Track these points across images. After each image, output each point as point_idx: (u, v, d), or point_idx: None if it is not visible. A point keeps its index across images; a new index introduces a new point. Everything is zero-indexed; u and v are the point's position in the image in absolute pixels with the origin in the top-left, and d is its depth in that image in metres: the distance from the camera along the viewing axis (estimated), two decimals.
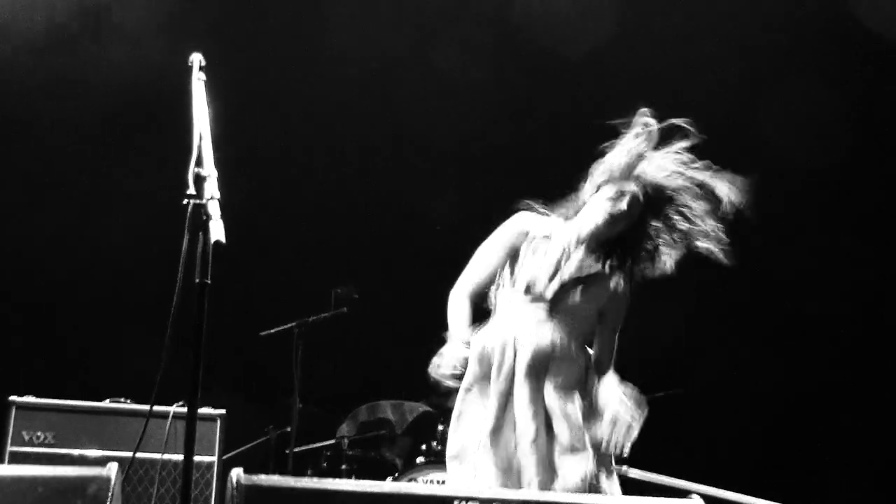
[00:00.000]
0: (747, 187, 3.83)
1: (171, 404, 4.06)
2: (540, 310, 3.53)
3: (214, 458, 4.32)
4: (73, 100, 6.85)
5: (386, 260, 7.66)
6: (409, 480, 5.57)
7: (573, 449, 3.25)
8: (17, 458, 4.18)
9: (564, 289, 3.55)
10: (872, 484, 7.03)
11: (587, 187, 3.75)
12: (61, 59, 6.76)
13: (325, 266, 7.19)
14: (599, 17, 7.05)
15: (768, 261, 7.47)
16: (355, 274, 6.54)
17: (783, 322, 7.47)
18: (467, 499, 2.47)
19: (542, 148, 7.75)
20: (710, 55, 7.13)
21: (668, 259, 3.64)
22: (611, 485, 3.31)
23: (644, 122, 3.70)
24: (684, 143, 3.73)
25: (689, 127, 3.73)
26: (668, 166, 3.66)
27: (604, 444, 3.28)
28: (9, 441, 4.22)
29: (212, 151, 2.50)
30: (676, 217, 3.61)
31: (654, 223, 3.59)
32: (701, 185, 3.68)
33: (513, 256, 3.68)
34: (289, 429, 5.94)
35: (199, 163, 2.46)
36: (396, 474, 5.79)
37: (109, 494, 2.46)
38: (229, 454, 5.33)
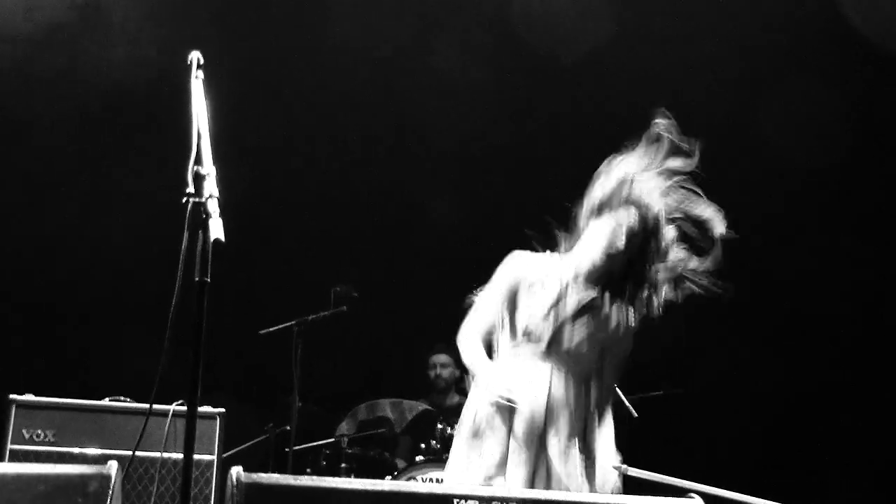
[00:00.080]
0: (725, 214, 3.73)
1: (170, 403, 4.07)
2: (538, 354, 3.42)
3: (214, 457, 4.32)
4: (71, 99, 6.86)
5: (385, 259, 7.67)
6: (409, 479, 5.58)
7: None
8: (17, 457, 4.19)
9: (563, 329, 3.44)
10: (872, 484, 7.03)
11: (582, 216, 3.62)
12: (59, 57, 6.76)
13: (325, 265, 7.20)
14: (599, 17, 7.05)
15: (768, 261, 7.47)
16: (354, 273, 6.55)
17: (783, 322, 7.47)
18: (466, 497, 2.47)
19: (542, 148, 7.75)
20: (710, 55, 7.13)
21: (666, 290, 3.53)
22: None
23: (640, 142, 3.58)
24: (677, 163, 3.58)
25: (681, 143, 3.62)
26: (661, 190, 3.53)
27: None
28: (9, 439, 4.23)
29: (210, 150, 2.50)
30: (671, 246, 3.50)
31: (654, 254, 3.46)
32: (690, 215, 3.55)
33: (511, 301, 3.56)
34: (288, 427, 5.94)
35: (198, 161, 2.47)
36: (396, 473, 5.80)
37: (110, 492, 2.46)
38: (229, 452, 5.33)
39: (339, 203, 7.69)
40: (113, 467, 2.52)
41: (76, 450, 4.26)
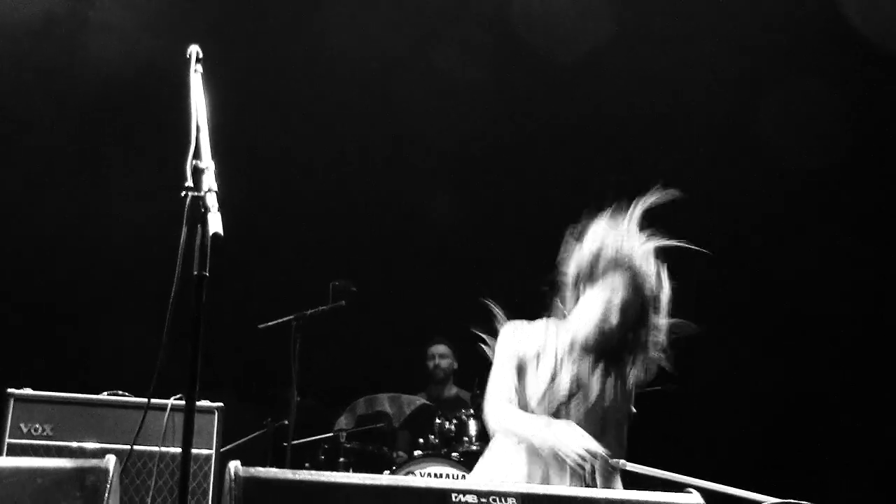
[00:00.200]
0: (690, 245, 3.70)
1: (169, 397, 4.06)
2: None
3: (212, 451, 4.32)
4: (68, 96, 6.87)
5: (384, 254, 7.69)
6: (407, 473, 5.58)
7: None
8: (15, 451, 4.19)
9: (559, 411, 3.40)
10: (872, 484, 7.03)
11: (571, 281, 3.53)
12: (58, 56, 6.76)
13: (323, 259, 7.21)
14: (599, 18, 7.05)
15: (768, 261, 7.48)
16: (353, 267, 6.56)
17: (783, 322, 7.48)
18: (464, 492, 2.47)
19: (542, 148, 7.76)
20: (710, 55, 7.14)
21: (660, 354, 3.49)
22: None
23: (621, 205, 3.53)
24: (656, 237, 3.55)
25: (657, 196, 3.57)
26: (650, 249, 3.51)
27: None
28: (7, 433, 4.22)
29: (209, 144, 2.50)
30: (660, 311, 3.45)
31: (651, 320, 3.43)
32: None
33: (520, 375, 3.49)
34: (287, 421, 5.95)
35: (196, 155, 2.47)
36: (394, 467, 5.80)
37: (107, 486, 2.46)
38: (227, 447, 5.32)
39: (337, 198, 7.70)
40: (111, 461, 2.52)
41: (74, 444, 4.26)
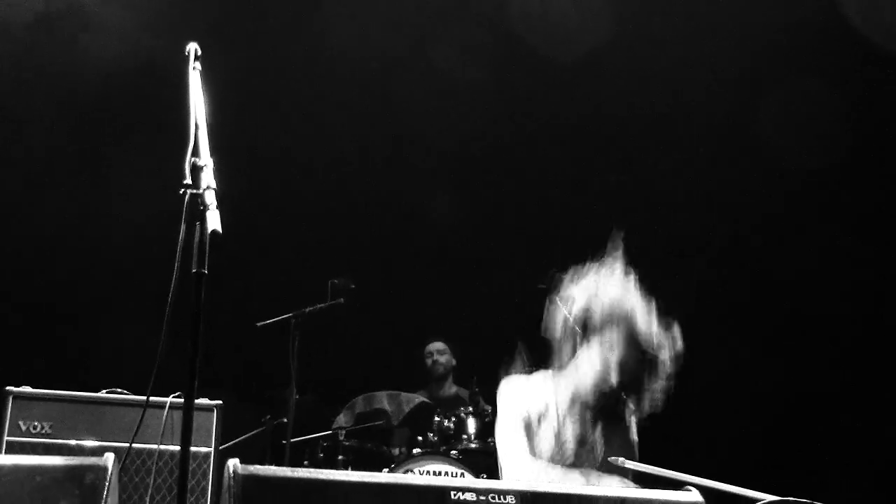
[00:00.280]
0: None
1: (167, 395, 4.06)
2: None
3: (211, 449, 4.31)
4: (69, 97, 6.87)
5: (383, 252, 7.69)
6: (406, 471, 5.58)
7: None
8: (14, 448, 4.18)
9: (569, 468, 3.39)
10: (872, 484, 7.03)
11: (567, 332, 3.49)
12: (58, 56, 6.77)
13: (322, 257, 7.22)
14: (599, 18, 7.06)
15: (768, 261, 7.48)
16: (352, 265, 6.56)
17: (783, 322, 7.48)
18: (463, 490, 2.47)
19: (541, 148, 7.76)
20: (710, 55, 7.14)
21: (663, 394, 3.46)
22: None
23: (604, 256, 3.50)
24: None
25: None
26: (644, 302, 3.44)
27: None
28: (6, 431, 4.21)
29: (208, 141, 2.50)
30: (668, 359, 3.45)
31: (651, 373, 3.40)
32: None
33: (528, 431, 3.47)
34: (285, 419, 5.95)
35: (195, 152, 2.46)
36: (393, 465, 5.80)
37: (106, 484, 2.46)
38: (226, 444, 5.32)
39: (337, 196, 7.72)
40: (110, 459, 2.52)
41: (73, 442, 4.25)
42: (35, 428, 4.25)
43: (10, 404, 4.25)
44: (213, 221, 2.35)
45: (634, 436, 3.54)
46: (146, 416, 3.15)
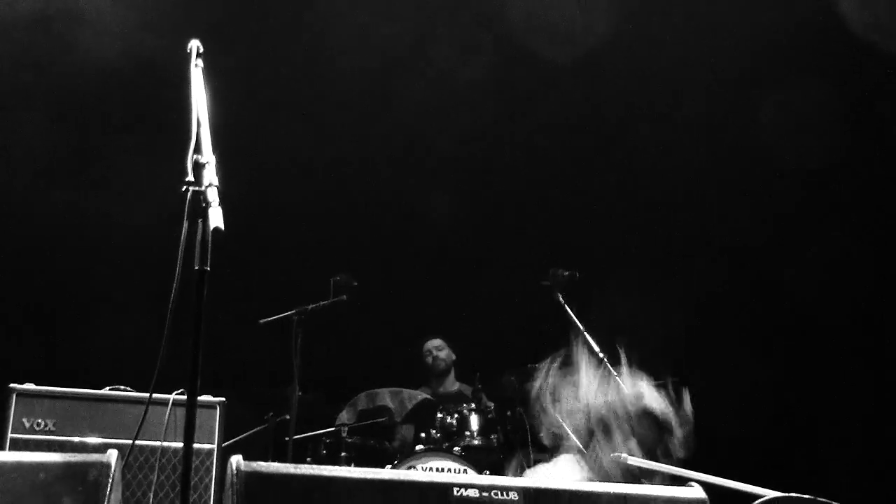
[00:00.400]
0: None
1: (170, 392, 4.07)
2: None
3: (214, 446, 4.32)
4: (69, 95, 6.87)
5: (384, 249, 7.69)
6: (409, 468, 5.58)
7: None
8: (17, 445, 4.18)
9: None
10: (872, 484, 7.03)
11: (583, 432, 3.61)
12: (57, 54, 6.76)
13: (325, 254, 7.22)
14: (599, 18, 7.05)
15: (768, 261, 7.48)
16: (354, 263, 6.56)
17: (783, 322, 7.49)
18: (466, 486, 2.47)
19: (541, 148, 7.77)
20: (710, 55, 7.14)
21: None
22: None
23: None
24: None
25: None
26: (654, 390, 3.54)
27: None
28: (10, 428, 4.22)
29: (210, 139, 2.50)
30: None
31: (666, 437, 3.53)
32: None
33: None
34: (288, 416, 5.94)
35: (197, 150, 2.46)
36: (395, 462, 5.80)
37: (109, 481, 2.47)
38: (229, 441, 5.34)
39: (339, 194, 7.71)
40: (113, 456, 2.53)
41: (76, 439, 4.26)
42: (39, 425, 4.26)
43: (13, 401, 4.26)
44: (216, 219, 2.35)
45: None
46: (149, 414, 3.16)
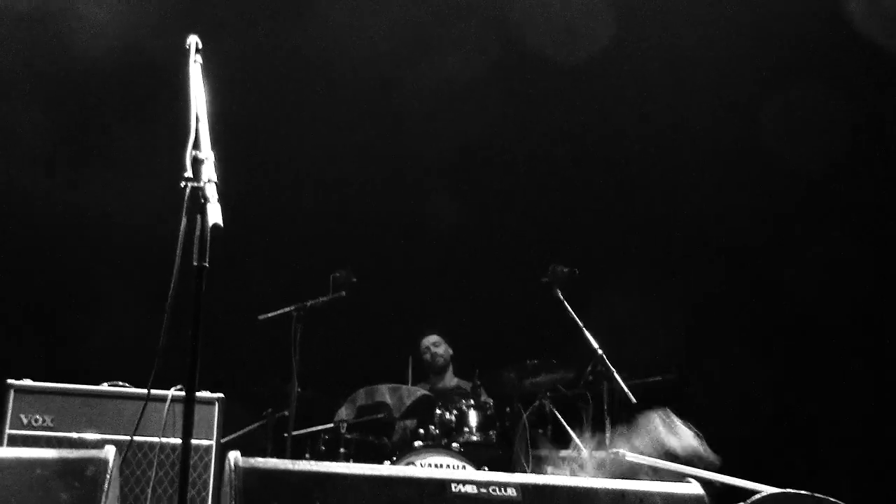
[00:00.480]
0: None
1: (169, 388, 4.06)
2: None
3: (213, 442, 4.31)
4: (69, 94, 6.86)
5: (384, 245, 7.69)
6: (408, 464, 5.57)
7: None
8: (15, 441, 4.18)
9: None
10: (872, 484, 7.04)
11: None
12: (57, 52, 6.75)
13: (324, 250, 7.21)
14: (600, 20, 7.05)
15: (768, 261, 7.48)
16: (353, 258, 6.55)
17: (783, 322, 7.49)
18: (464, 482, 2.47)
19: (542, 148, 7.77)
20: (711, 58, 7.14)
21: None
22: None
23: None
24: None
25: None
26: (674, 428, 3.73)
27: None
28: (7, 424, 4.22)
29: (209, 134, 2.49)
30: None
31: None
32: None
33: None
34: (287, 412, 5.94)
35: (196, 145, 2.46)
36: (394, 458, 5.80)
37: (107, 477, 2.46)
38: (227, 437, 5.33)
39: (338, 189, 7.71)
40: (111, 452, 2.53)
41: (74, 435, 4.25)
42: (36, 421, 4.25)
43: (11, 397, 4.25)
44: (215, 215, 2.35)
45: None
46: (147, 409, 3.15)
